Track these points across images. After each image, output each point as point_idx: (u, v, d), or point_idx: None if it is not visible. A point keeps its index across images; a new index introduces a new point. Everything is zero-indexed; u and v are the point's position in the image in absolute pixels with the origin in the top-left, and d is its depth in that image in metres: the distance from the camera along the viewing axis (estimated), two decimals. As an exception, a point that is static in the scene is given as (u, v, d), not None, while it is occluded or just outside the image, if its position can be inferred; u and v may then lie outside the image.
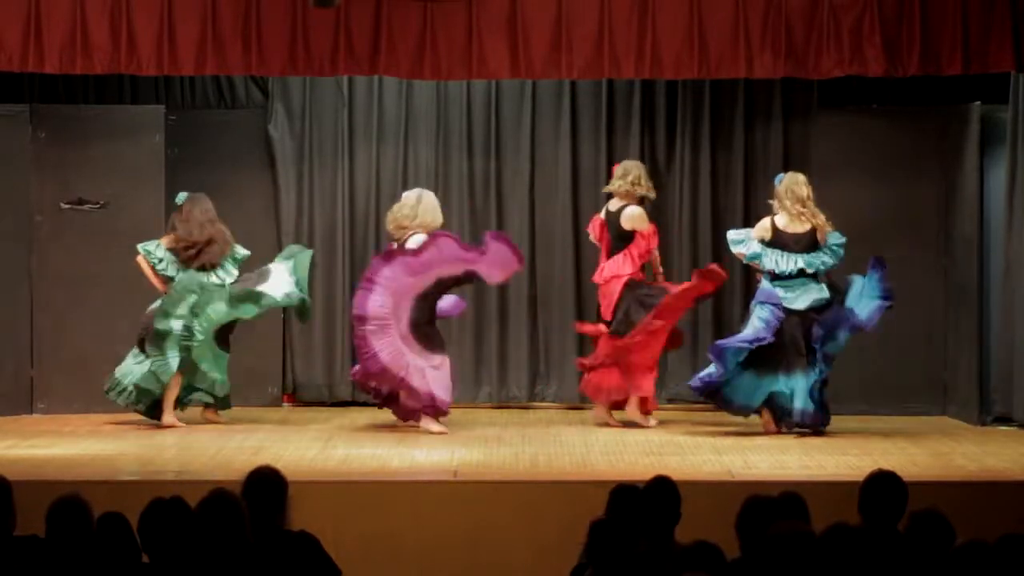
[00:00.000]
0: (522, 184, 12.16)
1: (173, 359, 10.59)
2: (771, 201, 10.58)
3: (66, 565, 5.22)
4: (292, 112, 12.15)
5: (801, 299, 10.35)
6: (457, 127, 12.18)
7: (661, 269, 11.01)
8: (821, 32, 10.16)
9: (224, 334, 10.88)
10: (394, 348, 10.26)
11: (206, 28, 10.10)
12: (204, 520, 5.22)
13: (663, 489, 5.75)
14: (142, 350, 10.73)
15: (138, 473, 9.04)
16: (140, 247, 10.79)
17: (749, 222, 11.24)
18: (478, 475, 8.98)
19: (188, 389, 10.87)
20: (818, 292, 10.39)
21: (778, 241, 10.41)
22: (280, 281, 10.82)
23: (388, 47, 10.20)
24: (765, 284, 10.41)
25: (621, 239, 10.78)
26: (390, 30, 10.20)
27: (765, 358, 10.24)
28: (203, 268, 10.76)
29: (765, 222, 10.53)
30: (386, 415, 10.73)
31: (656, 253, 10.89)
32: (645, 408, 10.87)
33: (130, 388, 10.70)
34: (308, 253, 11.05)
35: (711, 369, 10.31)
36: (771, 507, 5.38)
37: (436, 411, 10.38)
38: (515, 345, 12.16)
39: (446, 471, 9.06)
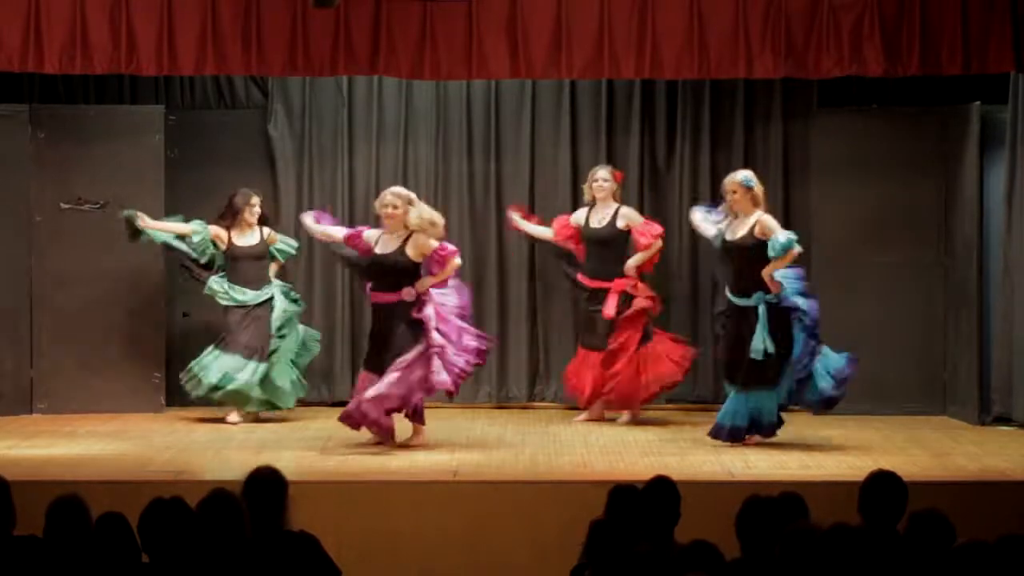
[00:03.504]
0: (522, 184, 12.16)
1: None
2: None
3: (65, 565, 5.22)
4: (292, 112, 12.15)
5: None
6: (457, 127, 12.18)
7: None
8: (821, 32, 10.16)
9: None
10: None
11: (206, 28, 10.10)
12: (204, 520, 5.22)
13: (663, 489, 5.75)
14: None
15: (139, 473, 9.03)
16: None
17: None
18: (478, 475, 8.98)
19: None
20: None
21: None
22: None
23: (388, 47, 10.21)
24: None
25: None
26: (390, 30, 10.20)
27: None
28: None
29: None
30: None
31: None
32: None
33: None
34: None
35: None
36: (771, 507, 5.38)
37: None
38: (515, 345, 12.16)
39: (446, 471, 9.06)
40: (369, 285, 10.03)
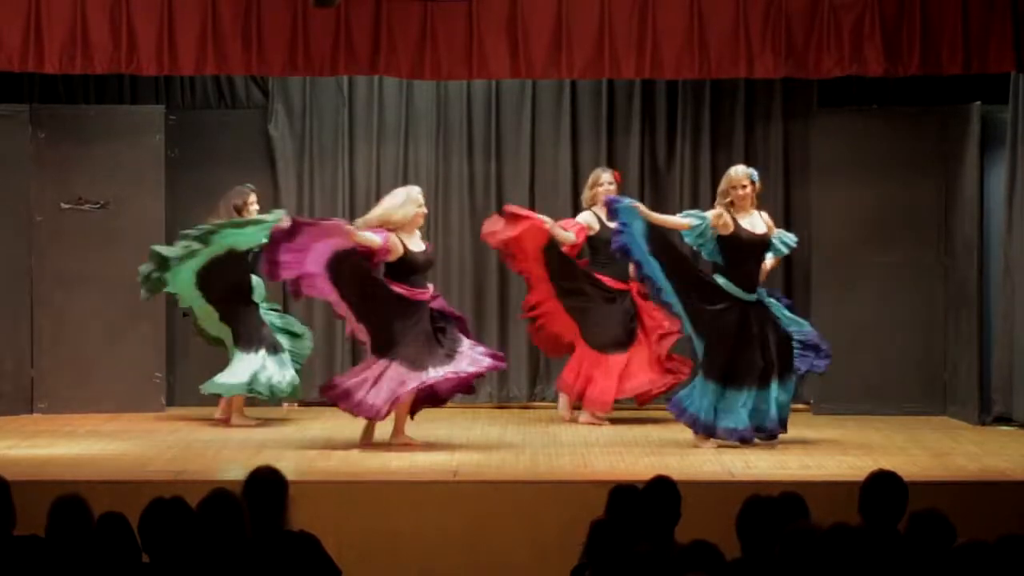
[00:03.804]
0: (522, 184, 12.16)
1: None
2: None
3: (66, 565, 5.22)
4: (292, 112, 12.15)
5: None
6: (457, 127, 12.18)
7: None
8: (821, 32, 10.16)
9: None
10: None
11: (206, 28, 10.10)
12: (204, 520, 5.22)
13: (663, 489, 5.75)
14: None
15: (139, 473, 9.03)
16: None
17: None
18: (478, 475, 8.97)
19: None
20: None
21: None
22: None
23: (388, 47, 10.21)
24: None
25: None
26: (390, 30, 10.20)
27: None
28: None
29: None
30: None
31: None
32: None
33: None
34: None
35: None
36: (771, 507, 5.38)
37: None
38: (515, 345, 12.15)
39: (446, 471, 9.06)
40: (400, 285, 9.86)
